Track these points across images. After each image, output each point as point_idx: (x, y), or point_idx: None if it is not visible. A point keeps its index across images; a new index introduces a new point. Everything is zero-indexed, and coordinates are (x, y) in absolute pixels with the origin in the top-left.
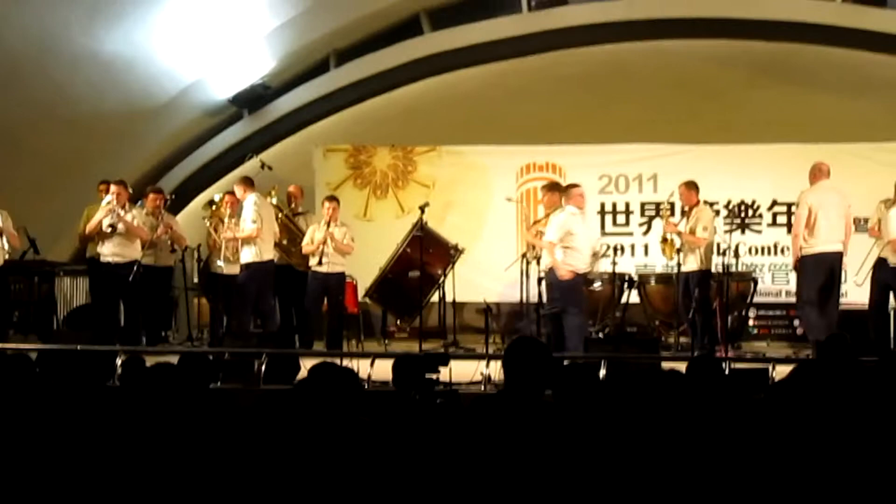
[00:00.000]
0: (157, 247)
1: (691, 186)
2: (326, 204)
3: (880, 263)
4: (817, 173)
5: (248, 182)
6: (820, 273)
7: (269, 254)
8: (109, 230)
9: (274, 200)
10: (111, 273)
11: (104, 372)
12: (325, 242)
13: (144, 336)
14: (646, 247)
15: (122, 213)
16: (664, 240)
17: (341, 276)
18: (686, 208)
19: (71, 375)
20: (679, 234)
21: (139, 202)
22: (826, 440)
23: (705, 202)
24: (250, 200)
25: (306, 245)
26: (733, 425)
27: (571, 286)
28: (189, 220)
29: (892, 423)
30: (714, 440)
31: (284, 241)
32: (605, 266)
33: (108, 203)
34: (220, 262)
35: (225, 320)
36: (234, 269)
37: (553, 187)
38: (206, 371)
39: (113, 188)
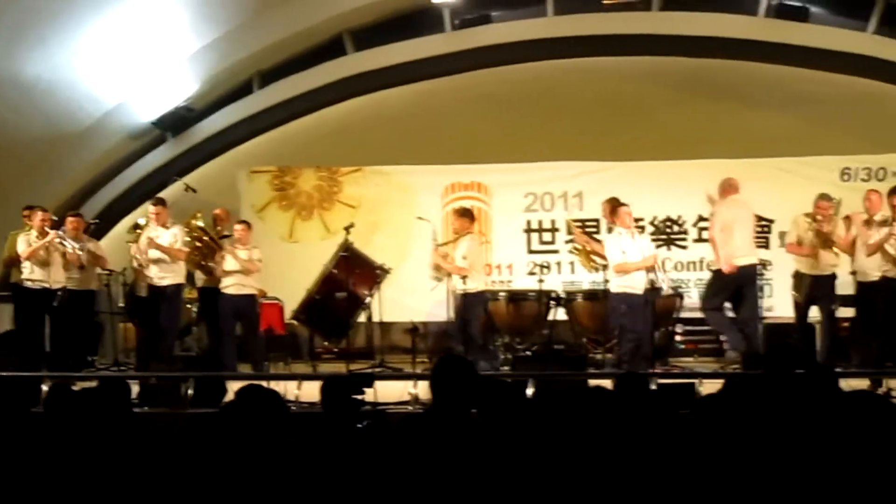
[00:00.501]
0: (84, 270)
1: (612, 202)
2: (238, 226)
3: (800, 276)
4: (728, 188)
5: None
6: (732, 285)
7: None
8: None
9: (200, 223)
10: (36, 298)
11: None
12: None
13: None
14: (572, 264)
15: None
16: (577, 250)
17: (251, 297)
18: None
19: None
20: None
21: (61, 228)
22: (752, 453)
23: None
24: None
25: (219, 267)
26: (660, 441)
27: (622, 309)
28: (114, 245)
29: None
30: (641, 456)
31: (210, 264)
32: (531, 283)
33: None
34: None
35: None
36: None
37: (464, 213)
38: (128, 396)
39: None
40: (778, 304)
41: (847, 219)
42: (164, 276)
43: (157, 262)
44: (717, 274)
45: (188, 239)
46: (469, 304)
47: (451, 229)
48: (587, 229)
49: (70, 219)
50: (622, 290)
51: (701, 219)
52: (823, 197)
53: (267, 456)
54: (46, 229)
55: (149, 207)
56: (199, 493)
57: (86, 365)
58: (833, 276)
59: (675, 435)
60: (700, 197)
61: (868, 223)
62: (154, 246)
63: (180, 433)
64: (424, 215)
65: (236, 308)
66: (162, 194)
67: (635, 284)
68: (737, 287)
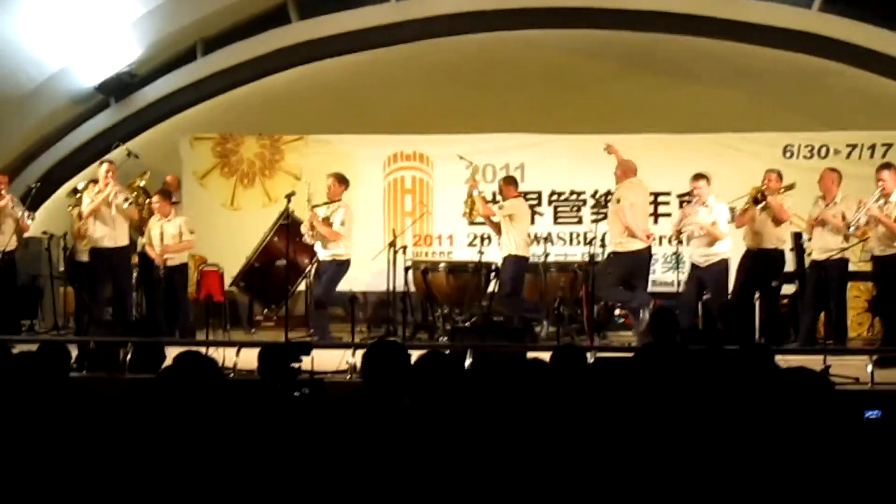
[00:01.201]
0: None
1: (509, 182)
2: (155, 198)
3: (746, 253)
4: (630, 170)
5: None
6: (636, 268)
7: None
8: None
9: (142, 183)
10: None
11: None
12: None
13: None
14: None
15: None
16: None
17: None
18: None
19: None
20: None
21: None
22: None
23: (572, 191)
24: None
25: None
26: (597, 413)
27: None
28: (55, 209)
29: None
30: (576, 428)
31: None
32: (471, 255)
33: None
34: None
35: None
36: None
37: (342, 180)
38: (67, 360)
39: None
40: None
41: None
42: (114, 238)
43: (110, 224)
44: (626, 259)
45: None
46: (336, 269)
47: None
48: (528, 201)
49: None
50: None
51: None
52: (772, 171)
53: (204, 423)
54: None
55: (101, 166)
56: (136, 458)
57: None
58: (775, 251)
59: (609, 407)
60: (641, 171)
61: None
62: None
63: (119, 398)
64: (366, 185)
65: (167, 275)
66: (104, 159)
67: None
68: (632, 270)
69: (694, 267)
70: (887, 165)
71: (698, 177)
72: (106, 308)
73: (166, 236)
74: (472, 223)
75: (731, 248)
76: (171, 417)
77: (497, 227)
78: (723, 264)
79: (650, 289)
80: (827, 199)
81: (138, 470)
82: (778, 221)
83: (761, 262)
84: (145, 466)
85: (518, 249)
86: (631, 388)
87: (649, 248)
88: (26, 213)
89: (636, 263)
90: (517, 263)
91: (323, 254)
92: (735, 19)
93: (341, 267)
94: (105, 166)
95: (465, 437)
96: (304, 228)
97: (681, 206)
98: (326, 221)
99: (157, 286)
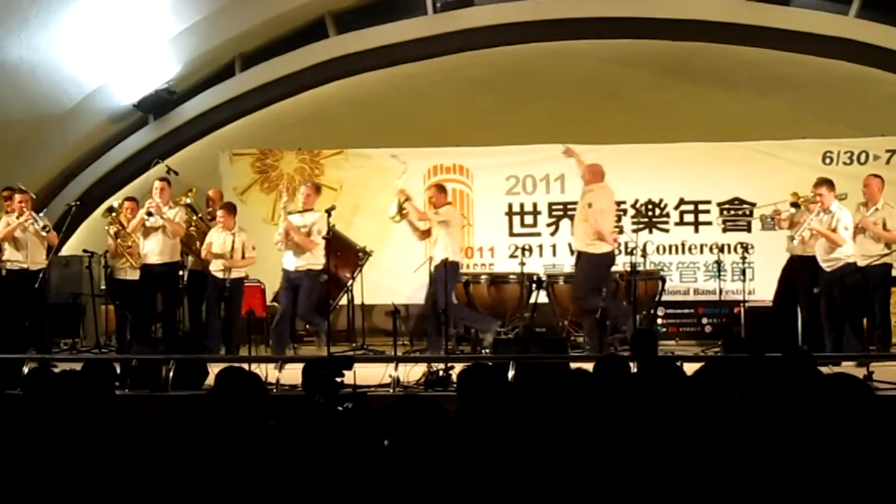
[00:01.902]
0: (27, 249)
1: (441, 189)
2: (220, 212)
3: (789, 260)
4: (598, 174)
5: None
6: (604, 270)
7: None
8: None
9: (189, 201)
10: (15, 280)
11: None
12: (232, 250)
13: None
14: (553, 247)
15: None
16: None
17: (240, 281)
18: None
19: None
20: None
21: (44, 210)
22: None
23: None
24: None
25: (204, 250)
26: (644, 423)
27: None
28: (95, 227)
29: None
30: (625, 438)
31: (198, 245)
32: (513, 266)
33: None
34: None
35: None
36: (136, 275)
37: (319, 189)
38: (113, 377)
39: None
40: (759, 287)
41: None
42: (162, 255)
43: (153, 240)
44: (596, 260)
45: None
46: (312, 282)
47: (303, 201)
48: (569, 212)
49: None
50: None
51: (682, 202)
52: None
53: (248, 438)
54: (24, 210)
55: (154, 183)
56: (181, 475)
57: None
58: (814, 258)
59: (656, 416)
60: (681, 180)
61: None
62: (160, 216)
63: (162, 415)
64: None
65: (222, 291)
66: (144, 177)
67: None
68: (601, 273)
69: (821, 273)
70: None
71: (821, 183)
72: (154, 324)
73: (229, 249)
74: (401, 223)
75: (855, 253)
76: (214, 433)
77: (424, 234)
78: (847, 268)
79: (693, 297)
80: (869, 206)
81: (184, 486)
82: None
83: (802, 269)
84: (190, 483)
85: (454, 255)
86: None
87: (614, 251)
88: (44, 225)
89: (605, 265)
90: (454, 269)
91: (295, 263)
92: (772, 26)
93: (317, 279)
94: (157, 183)
95: (511, 448)
96: (277, 236)
97: (721, 213)
98: (302, 230)
99: (216, 300)
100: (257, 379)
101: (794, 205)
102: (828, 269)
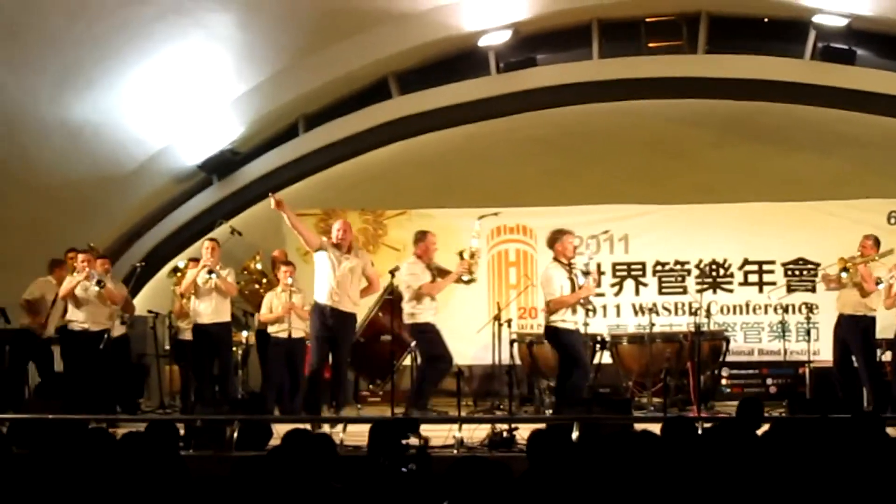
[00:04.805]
0: (88, 309)
1: None
2: (283, 268)
3: (839, 319)
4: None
5: None
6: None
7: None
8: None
9: (259, 266)
10: (78, 340)
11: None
12: (288, 311)
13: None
14: (618, 307)
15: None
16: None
17: (303, 340)
18: None
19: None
20: None
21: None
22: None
23: (676, 261)
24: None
25: (264, 314)
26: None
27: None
28: (158, 287)
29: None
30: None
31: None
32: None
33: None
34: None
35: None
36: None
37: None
38: (176, 438)
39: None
40: (824, 348)
41: None
42: (215, 314)
43: (207, 299)
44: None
45: (242, 283)
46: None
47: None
48: (632, 272)
49: (100, 261)
50: None
51: (746, 262)
52: (869, 237)
53: (314, 500)
54: (86, 269)
55: (204, 243)
56: None
57: (136, 408)
58: (863, 318)
59: (723, 478)
60: (745, 240)
61: None
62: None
63: (227, 476)
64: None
65: (289, 351)
66: (208, 237)
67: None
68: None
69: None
70: None
71: (867, 238)
72: (213, 385)
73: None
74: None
75: None
76: (280, 494)
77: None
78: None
79: (757, 357)
80: None
81: None
82: (863, 292)
83: (851, 330)
84: None
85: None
86: (742, 459)
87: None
88: (98, 280)
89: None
90: None
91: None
92: (836, 86)
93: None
94: (206, 243)
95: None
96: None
97: (785, 274)
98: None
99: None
100: (327, 440)
101: (844, 269)
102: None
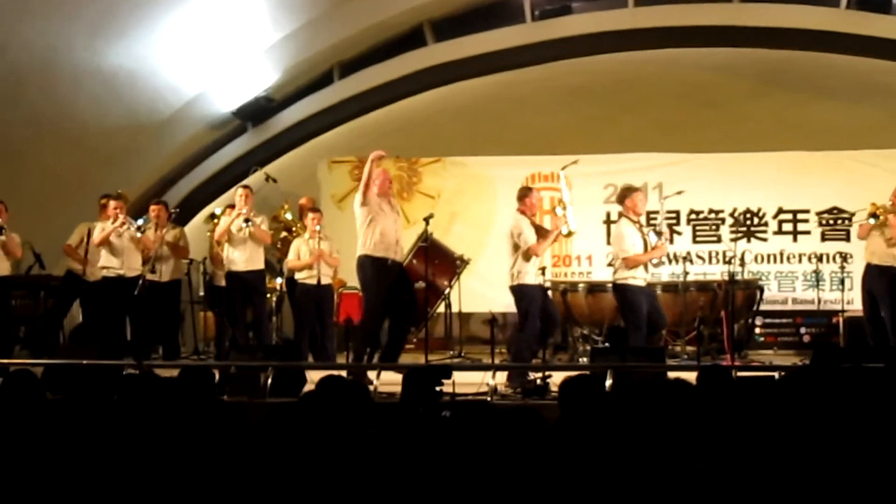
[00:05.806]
0: (161, 261)
1: None
2: (311, 215)
3: (867, 268)
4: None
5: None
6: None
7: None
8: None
9: (289, 216)
10: (113, 287)
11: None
12: (318, 258)
13: (161, 350)
14: None
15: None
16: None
17: (331, 287)
18: None
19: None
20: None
21: (144, 217)
22: (834, 445)
23: (710, 210)
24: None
25: (292, 260)
26: (743, 434)
27: None
28: (193, 234)
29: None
30: (725, 448)
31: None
32: (610, 275)
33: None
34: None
35: (231, 333)
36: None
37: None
38: (212, 384)
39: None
40: (857, 297)
41: None
42: (248, 261)
43: (241, 247)
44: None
45: (272, 231)
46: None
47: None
48: (667, 219)
49: (152, 206)
50: None
51: (780, 211)
52: None
53: (347, 446)
54: (120, 216)
55: (237, 191)
56: (280, 482)
57: (177, 354)
58: (890, 268)
59: (755, 427)
60: (779, 189)
61: None
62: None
63: (261, 423)
64: (503, 206)
65: (318, 298)
66: (242, 184)
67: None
68: None
69: None
70: None
71: None
72: (247, 331)
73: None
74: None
75: None
76: (313, 440)
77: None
78: None
79: (791, 306)
80: None
81: (282, 492)
82: (891, 242)
83: (879, 279)
84: (288, 488)
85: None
86: (780, 408)
87: None
88: (139, 226)
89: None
90: None
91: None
92: (871, 35)
93: None
94: (240, 191)
95: (611, 459)
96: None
97: (819, 223)
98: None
99: (307, 307)
100: (362, 388)
101: (874, 215)
102: None
